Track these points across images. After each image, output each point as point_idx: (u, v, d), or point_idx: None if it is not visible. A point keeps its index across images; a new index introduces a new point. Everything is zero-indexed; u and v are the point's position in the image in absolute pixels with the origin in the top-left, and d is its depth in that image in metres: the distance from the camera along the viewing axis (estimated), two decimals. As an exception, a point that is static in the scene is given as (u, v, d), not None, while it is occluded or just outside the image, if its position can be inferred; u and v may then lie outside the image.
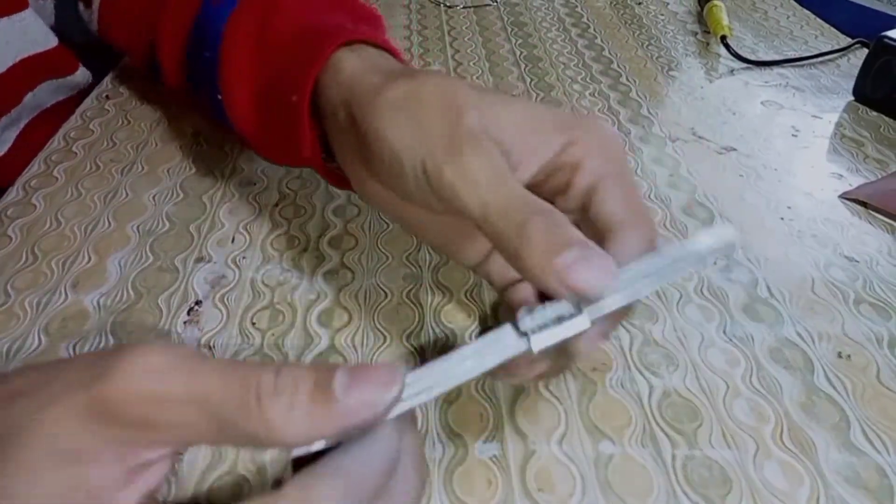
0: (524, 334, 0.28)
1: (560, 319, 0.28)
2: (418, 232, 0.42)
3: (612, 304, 0.29)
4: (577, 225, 0.31)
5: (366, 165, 0.38)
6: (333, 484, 0.23)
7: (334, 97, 0.40)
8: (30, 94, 0.66)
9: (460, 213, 0.33)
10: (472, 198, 0.32)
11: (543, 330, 0.28)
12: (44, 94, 0.69)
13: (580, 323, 0.28)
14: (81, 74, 0.71)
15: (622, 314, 0.34)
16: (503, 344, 0.28)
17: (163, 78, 0.60)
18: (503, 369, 0.30)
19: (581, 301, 0.28)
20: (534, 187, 0.35)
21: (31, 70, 0.65)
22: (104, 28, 0.68)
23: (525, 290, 0.36)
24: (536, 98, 0.75)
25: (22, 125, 0.69)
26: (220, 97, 0.49)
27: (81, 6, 0.68)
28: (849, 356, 0.44)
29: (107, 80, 0.74)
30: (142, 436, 0.24)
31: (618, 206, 0.34)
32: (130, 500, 0.24)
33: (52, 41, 0.66)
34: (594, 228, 0.35)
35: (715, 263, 0.51)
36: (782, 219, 0.57)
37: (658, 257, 0.30)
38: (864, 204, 0.59)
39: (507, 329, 0.28)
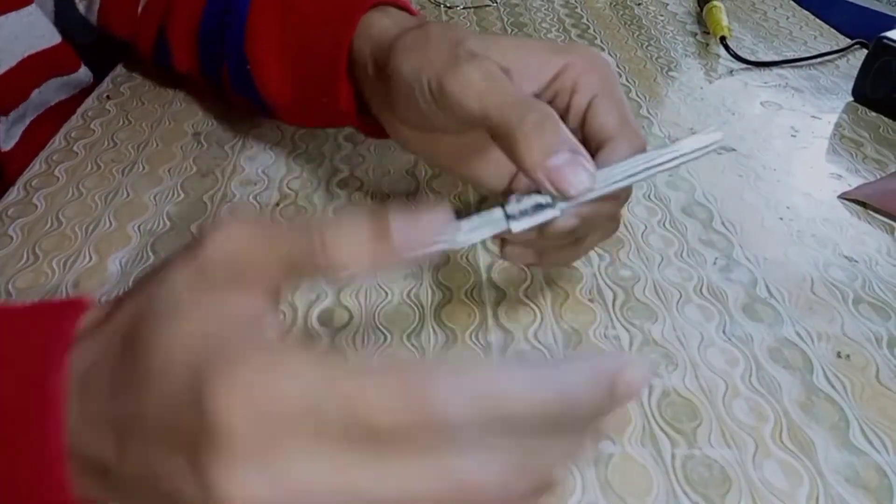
0: (509, 217, 0.33)
1: (538, 208, 0.33)
2: (445, 164, 0.46)
3: (584, 198, 0.34)
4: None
5: (391, 108, 0.43)
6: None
7: (365, 52, 0.45)
8: (36, 91, 0.67)
9: (465, 119, 0.37)
10: (472, 100, 0.36)
11: (523, 216, 0.33)
12: (49, 92, 0.69)
13: (551, 213, 0.34)
14: (84, 73, 0.71)
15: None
16: (491, 222, 0.33)
17: (172, 61, 0.61)
18: (502, 249, 0.39)
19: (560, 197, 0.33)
20: None
21: (38, 66, 0.66)
22: (105, 19, 0.68)
23: None
24: (536, 98, 0.75)
25: (27, 122, 0.69)
26: (248, 68, 0.52)
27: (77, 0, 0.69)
28: (848, 356, 0.44)
29: (108, 80, 0.74)
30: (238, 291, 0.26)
31: (609, 119, 0.39)
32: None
33: (55, 38, 0.66)
34: (590, 141, 0.39)
35: (714, 263, 0.51)
36: (781, 219, 0.57)
37: (640, 156, 0.35)
38: (863, 204, 0.59)
39: (497, 211, 0.33)
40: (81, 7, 0.69)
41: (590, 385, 0.22)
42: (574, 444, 0.24)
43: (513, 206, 0.33)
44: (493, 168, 0.43)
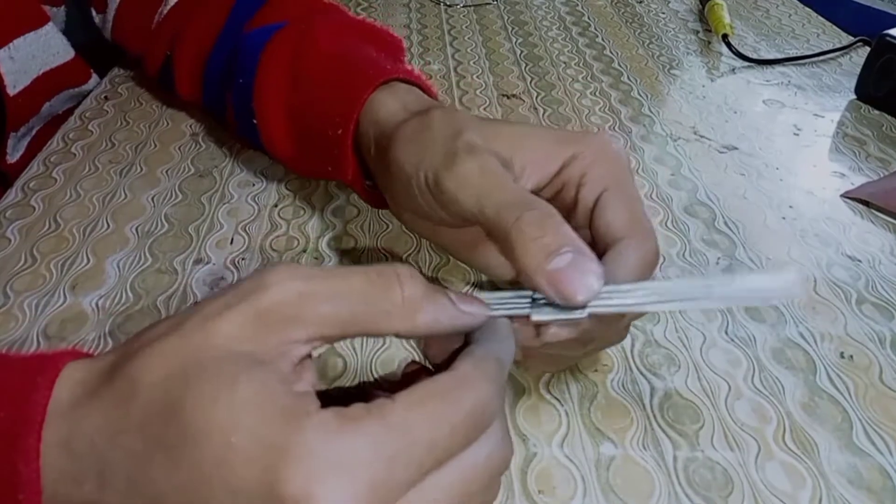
0: (534, 301, 0.32)
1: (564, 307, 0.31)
2: (451, 250, 0.43)
3: (607, 308, 0.31)
4: (589, 243, 0.33)
5: (392, 195, 0.42)
6: (493, 363, 0.28)
7: (369, 134, 0.44)
8: (46, 104, 0.67)
9: (461, 216, 0.35)
10: (468, 199, 0.34)
11: (546, 307, 0.32)
12: (58, 104, 0.70)
13: (576, 315, 0.31)
14: (94, 83, 0.71)
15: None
16: (516, 303, 0.32)
17: (175, 87, 0.61)
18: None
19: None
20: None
21: (51, 82, 0.66)
22: (119, 34, 0.69)
23: None
24: (537, 97, 0.75)
25: (35, 132, 0.69)
26: (255, 122, 0.52)
27: (94, 12, 0.69)
28: (851, 356, 0.44)
29: (105, 80, 0.74)
30: (298, 333, 0.27)
31: (618, 218, 0.36)
32: (307, 389, 0.27)
33: (69, 53, 0.67)
34: (599, 240, 0.36)
35: (717, 263, 0.51)
36: (784, 218, 0.56)
37: (685, 283, 0.33)
38: (866, 203, 0.59)
39: (525, 293, 0.33)
40: (98, 20, 0.69)
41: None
42: None
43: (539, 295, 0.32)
44: (496, 258, 0.39)
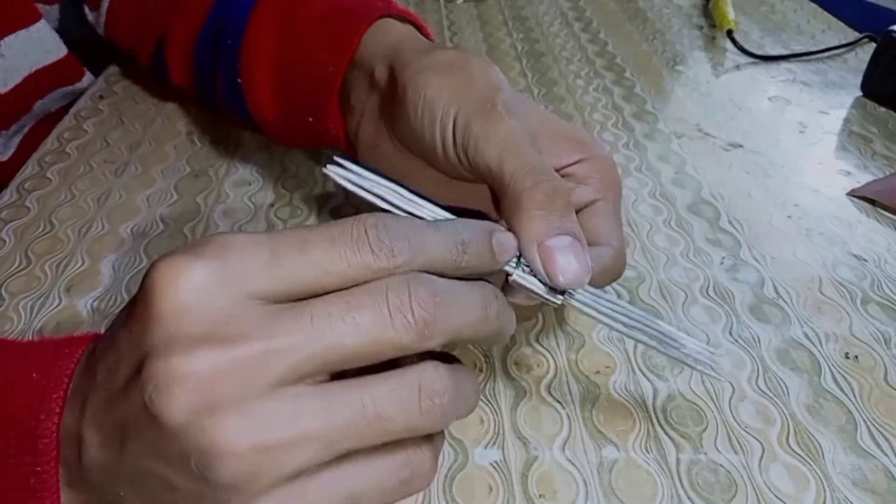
0: (519, 265, 0.32)
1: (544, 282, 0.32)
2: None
3: (582, 306, 0.32)
4: None
5: (390, 125, 0.41)
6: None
7: (377, 54, 0.43)
8: (39, 102, 0.67)
9: (477, 167, 0.35)
10: (493, 150, 0.34)
11: (528, 275, 0.32)
12: (51, 102, 0.69)
13: (552, 297, 0.32)
14: (87, 80, 0.71)
15: None
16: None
17: (168, 73, 0.61)
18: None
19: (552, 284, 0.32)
20: None
21: (43, 80, 0.66)
22: (112, 30, 0.68)
23: None
24: (539, 94, 0.74)
25: (26, 131, 0.69)
26: (238, 80, 0.51)
27: (87, 9, 0.68)
28: (856, 357, 0.43)
29: (101, 79, 0.74)
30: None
31: (605, 226, 0.37)
32: None
33: (62, 51, 0.66)
34: None
35: (721, 263, 0.50)
36: (790, 217, 0.56)
37: (649, 319, 0.33)
38: (872, 201, 0.58)
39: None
40: (91, 17, 0.69)
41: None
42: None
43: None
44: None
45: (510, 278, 0.32)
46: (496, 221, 0.38)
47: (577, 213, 0.37)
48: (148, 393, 0.23)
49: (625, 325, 0.32)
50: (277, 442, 0.23)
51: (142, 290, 0.24)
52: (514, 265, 0.32)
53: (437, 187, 0.40)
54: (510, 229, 0.33)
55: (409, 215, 0.31)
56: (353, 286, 0.25)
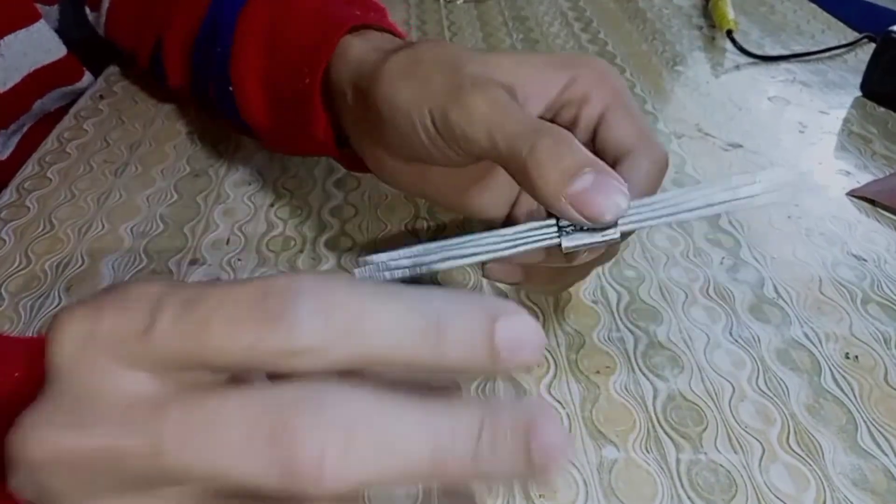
0: (561, 230, 0.31)
1: (593, 229, 0.31)
2: (439, 197, 0.42)
3: (640, 224, 0.31)
4: None
5: (378, 140, 0.40)
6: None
7: (344, 79, 0.42)
8: (38, 102, 0.67)
9: (472, 152, 0.34)
10: (479, 131, 0.33)
11: (576, 233, 0.31)
12: (50, 102, 0.69)
13: (610, 237, 0.31)
14: (87, 80, 0.71)
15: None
16: (541, 234, 0.32)
17: (165, 76, 0.60)
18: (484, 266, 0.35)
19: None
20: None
21: (42, 80, 0.66)
22: (112, 30, 0.68)
23: None
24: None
25: (25, 130, 0.69)
26: (230, 89, 0.50)
27: (88, 10, 0.68)
28: (856, 357, 0.43)
29: (101, 79, 0.74)
30: None
31: (626, 133, 0.36)
32: None
33: (61, 51, 0.66)
34: (604, 158, 0.34)
35: (721, 263, 0.50)
36: (789, 217, 0.56)
37: (698, 193, 0.31)
38: (871, 202, 0.58)
39: (549, 222, 0.32)
40: (92, 18, 0.69)
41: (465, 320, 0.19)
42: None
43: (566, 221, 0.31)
44: (490, 198, 0.40)
45: (562, 248, 0.31)
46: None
47: (594, 134, 0.37)
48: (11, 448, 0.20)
49: (676, 213, 0.31)
50: None
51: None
52: (555, 232, 0.31)
53: (450, 185, 0.40)
54: (531, 195, 0.32)
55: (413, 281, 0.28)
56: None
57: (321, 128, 0.45)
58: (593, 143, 0.37)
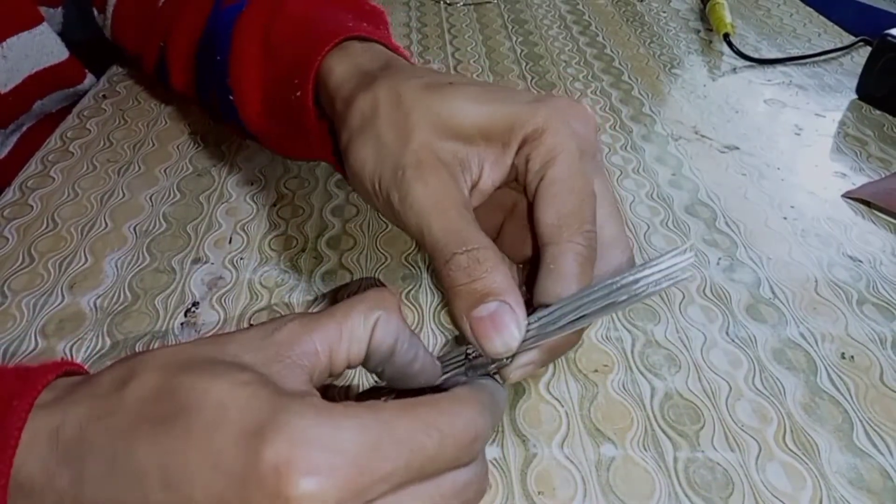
0: (467, 360, 0.34)
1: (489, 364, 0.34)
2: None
3: (534, 343, 0.33)
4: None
5: (352, 178, 0.40)
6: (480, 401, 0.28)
7: (326, 102, 0.42)
8: (38, 103, 0.67)
9: (409, 234, 0.36)
10: (413, 224, 0.34)
11: (478, 360, 0.34)
12: (51, 103, 0.69)
13: (504, 361, 0.34)
14: (89, 82, 0.71)
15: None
16: (454, 362, 0.35)
17: (170, 81, 0.61)
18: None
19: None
20: (504, 184, 0.37)
21: (43, 81, 0.66)
22: (117, 32, 0.68)
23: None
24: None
25: (24, 129, 0.69)
26: (231, 98, 0.50)
27: (96, 12, 0.68)
28: (852, 357, 0.44)
29: (104, 79, 0.74)
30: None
31: (546, 215, 0.35)
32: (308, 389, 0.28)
33: (64, 53, 0.66)
34: (539, 217, 0.35)
35: (718, 263, 0.51)
36: (785, 218, 0.56)
37: (600, 288, 0.32)
38: (867, 203, 0.59)
39: (461, 351, 0.35)
40: (99, 19, 0.69)
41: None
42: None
43: (473, 353, 0.34)
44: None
45: (467, 375, 0.34)
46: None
47: (537, 188, 0.35)
48: None
49: (576, 319, 0.32)
50: None
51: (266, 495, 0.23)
52: (462, 363, 0.34)
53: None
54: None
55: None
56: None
57: (318, 137, 0.45)
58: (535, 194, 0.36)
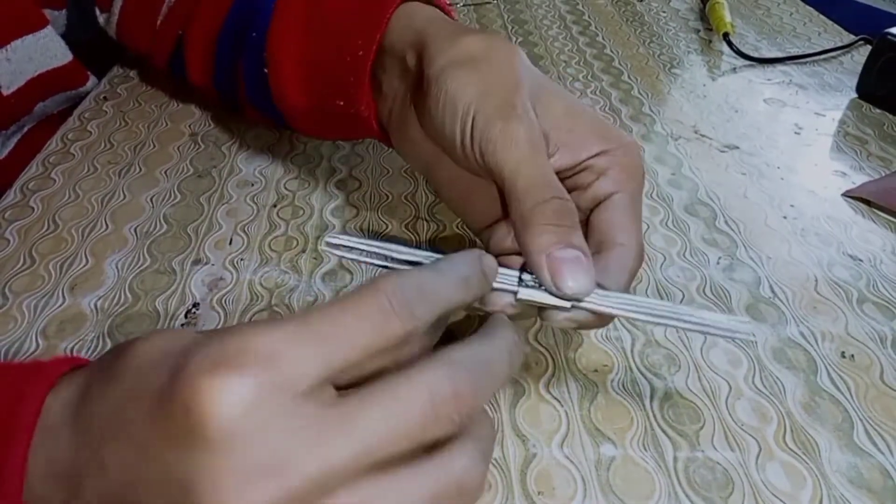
0: (521, 281, 0.34)
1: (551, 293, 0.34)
2: (441, 187, 0.43)
3: (596, 307, 0.34)
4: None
5: (417, 109, 0.41)
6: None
7: (405, 40, 0.43)
8: (40, 104, 0.67)
9: (488, 169, 0.36)
10: (510, 158, 0.35)
11: (532, 289, 0.34)
12: (53, 104, 0.69)
13: (561, 303, 0.34)
14: (91, 84, 0.71)
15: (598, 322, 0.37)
16: (504, 281, 0.34)
17: (186, 71, 0.61)
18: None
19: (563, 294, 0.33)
20: (559, 174, 0.37)
21: (46, 84, 0.66)
22: (123, 30, 0.68)
23: (516, 264, 0.37)
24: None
25: (25, 130, 0.69)
26: (265, 70, 0.51)
27: (99, 12, 0.69)
28: (852, 356, 0.44)
29: (104, 81, 0.74)
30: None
31: (621, 221, 0.37)
32: None
33: (67, 56, 0.67)
34: (592, 233, 0.38)
35: (718, 262, 0.51)
36: (785, 217, 0.56)
37: (671, 306, 0.34)
38: (867, 202, 0.59)
39: (511, 273, 0.35)
40: (102, 20, 0.69)
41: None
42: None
43: (528, 275, 0.34)
44: (478, 208, 0.41)
45: (517, 296, 0.34)
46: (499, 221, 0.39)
47: (595, 207, 0.38)
48: None
49: (631, 312, 0.34)
50: None
51: (180, 406, 0.23)
52: (515, 283, 0.34)
53: (454, 179, 0.41)
54: (517, 235, 0.35)
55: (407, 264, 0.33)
56: (388, 371, 0.26)
57: (364, 102, 0.45)
58: (589, 214, 0.39)
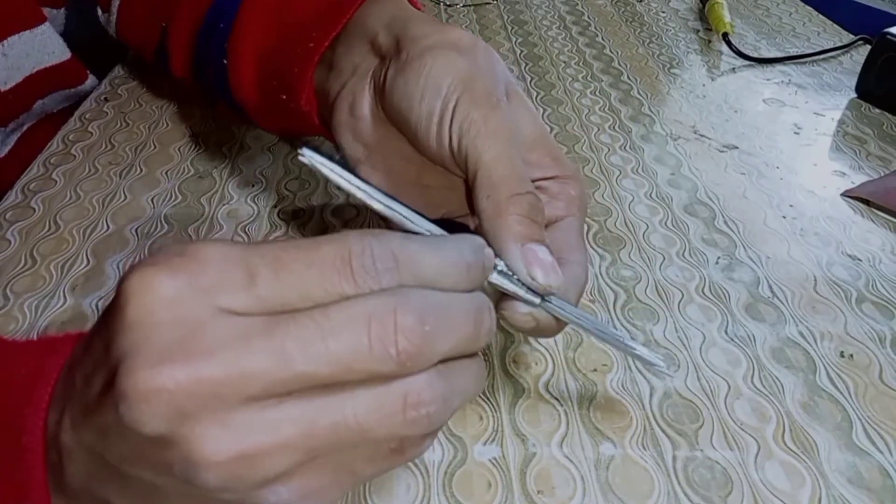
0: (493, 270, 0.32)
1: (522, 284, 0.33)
2: (374, 173, 0.41)
3: (557, 308, 0.33)
4: None
5: (383, 87, 0.39)
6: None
7: (381, 21, 0.42)
8: (39, 102, 0.67)
9: (466, 154, 0.35)
10: (491, 147, 0.34)
11: (506, 278, 0.33)
12: (52, 102, 0.69)
13: (532, 297, 0.33)
14: (90, 83, 0.71)
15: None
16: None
17: (169, 64, 0.61)
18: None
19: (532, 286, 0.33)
20: None
21: (44, 81, 0.66)
22: (123, 28, 0.68)
23: None
24: (537, 97, 0.75)
25: (24, 129, 0.69)
26: (224, 62, 0.50)
27: (100, 11, 0.69)
28: (851, 355, 0.44)
29: (105, 82, 0.74)
30: None
31: (571, 242, 0.37)
32: None
33: (65, 53, 0.67)
34: None
35: (717, 262, 0.51)
36: (784, 217, 0.56)
37: (612, 330, 0.35)
38: (866, 202, 0.59)
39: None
40: (103, 19, 0.69)
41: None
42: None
43: (500, 262, 0.33)
44: (425, 200, 0.40)
45: (489, 279, 0.32)
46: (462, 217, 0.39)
47: (547, 226, 0.37)
48: (119, 407, 0.22)
49: (587, 328, 0.33)
50: (258, 451, 0.23)
51: (115, 299, 0.24)
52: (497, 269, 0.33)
53: (393, 165, 0.40)
54: (483, 225, 0.34)
55: (389, 209, 0.31)
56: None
57: (307, 94, 0.45)
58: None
